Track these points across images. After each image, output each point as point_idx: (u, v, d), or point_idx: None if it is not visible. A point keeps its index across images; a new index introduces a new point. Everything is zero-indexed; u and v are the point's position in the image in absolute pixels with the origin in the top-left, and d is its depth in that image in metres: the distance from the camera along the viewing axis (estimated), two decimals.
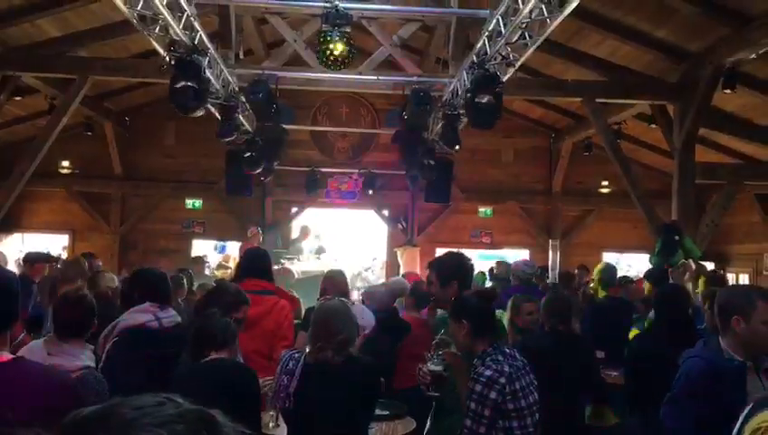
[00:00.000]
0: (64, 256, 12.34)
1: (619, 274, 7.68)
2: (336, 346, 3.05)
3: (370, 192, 12.86)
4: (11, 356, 1.99)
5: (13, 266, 8.42)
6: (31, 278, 7.10)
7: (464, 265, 3.78)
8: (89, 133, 12.52)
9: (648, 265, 8.18)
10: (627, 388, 4.40)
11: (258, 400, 3.19)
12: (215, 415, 0.80)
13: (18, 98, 10.08)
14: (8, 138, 11.94)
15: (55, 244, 12.92)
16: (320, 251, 12.96)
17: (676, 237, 7.77)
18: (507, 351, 3.11)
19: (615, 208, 13.21)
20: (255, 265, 4.62)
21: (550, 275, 11.63)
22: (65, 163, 12.98)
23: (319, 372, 3.04)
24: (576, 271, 10.20)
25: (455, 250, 4.16)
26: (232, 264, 12.22)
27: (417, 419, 3.97)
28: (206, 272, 11.11)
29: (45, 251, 8.48)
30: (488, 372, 2.92)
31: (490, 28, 5.93)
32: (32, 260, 7.54)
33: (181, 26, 5.78)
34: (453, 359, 3.19)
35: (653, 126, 10.23)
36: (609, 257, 12.57)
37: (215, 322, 3.16)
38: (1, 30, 8.45)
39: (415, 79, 7.93)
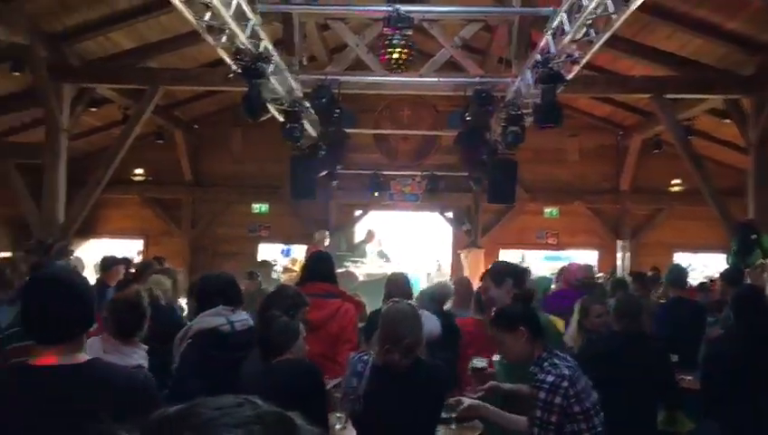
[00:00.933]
0: (138, 260, 12.78)
1: (694, 275, 7.43)
2: (404, 350, 3.06)
3: (433, 194, 12.83)
4: (86, 358, 2.07)
5: (90, 272, 8.79)
6: (106, 282, 7.38)
7: (515, 266, 3.82)
8: (160, 141, 12.95)
9: (725, 266, 7.89)
10: (702, 392, 4.25)
11: (324, 399, 3.22)
12: (293, 418, 0.81)
13: (94, 109, 10.52)
14: (85, 147, 12.44)
15: (130, 249, 13.40)
16: (382, 255, 13.00)
17: (753, 236, 7.47)
18: (559, 354, 3.10)
19: (687, 207, 12.76)
20: (319, 268, 4.65)
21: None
22: (138, 171, 13.46)
23: (387, 374, 3.05)
24: (649, 272, 9.92)
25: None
26: (297, 267, 12.42)
27: None
28: (273, 275, 11.30)
29: (120, 256, 8.81)
30: (550, 378, 2.92)
31: (554, 26, 5.84)
32: (107, 265, 7.85)
33: (246, 35, 5.92)
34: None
35: (726, 121, 9.87)
36: (681, 258, 12.16)
37: (273, 325, 3.20)
38: (77, 44, 8.82)
39: (477, 79, 7.88)
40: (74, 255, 8.66)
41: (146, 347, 3.43)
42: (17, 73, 8.10)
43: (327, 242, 11.84)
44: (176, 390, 3.49)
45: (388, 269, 10.13)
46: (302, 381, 2.91)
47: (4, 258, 6.68)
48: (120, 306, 3.33)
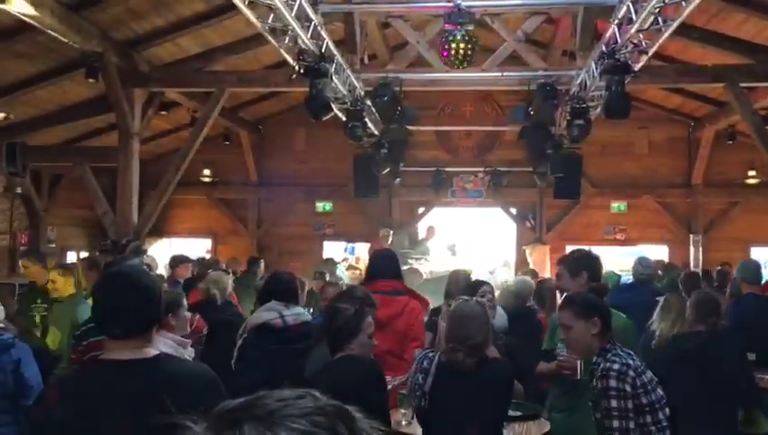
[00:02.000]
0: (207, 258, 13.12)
1: None
2: (468, 349, 3.05)
3: (497, 190, 12.71)
4: (154, 352, 2.13)
5: (163, 270, 9.08)
6: (176, 279, 7.64)
7: (592, 257, 3.75)
8: (226, 142, 13.27)
9: None
10: None
11: (383, 396, 3.21)
12: (352, 411, 0.84)
13: (163, 112, 10.87)
14: (155, 150, 12.83)
15: (199, 248, 13.78)
16: (452, 249, 12.95)
17: None
18: (623, 348, 3.05)
19: (764, 200, 12.26)
20: (386, 265, 4.64)
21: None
22: (206, 172, 13.81)
23: (452, 372, 3.05)
24: (719, 268, 9.56)
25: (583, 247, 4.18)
26: (361, 265, 12.50)
27: None
28: (338, 273, 11.41)
29: (191, 255, 9.11)
30: (616, 366, 2.87)
31: (620, 15, 5.69)
32: (175, 263, 8.14)
33: (309, 35, 5.98)
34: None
35: None
36: (758, 253, 11.68)
37: (334, 319, 3.20)
38: (146, 50, 9.10)
39: (540, 73, 7.76)
40: (147, 254, 8.97)
41: (178, 338, 3.47)
42: (92, 80, 8.40)
43: (390, 239, 11.88)
44: (234, 382, 3.57)
45: (452, 266, 10.09)
46: (359, 377, 2.92)
47: (89, 259, 6.95)
48: None
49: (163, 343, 3.25)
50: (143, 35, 8.81)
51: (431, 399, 3.06)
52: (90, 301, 4.51)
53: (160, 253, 12.59)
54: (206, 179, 13.91)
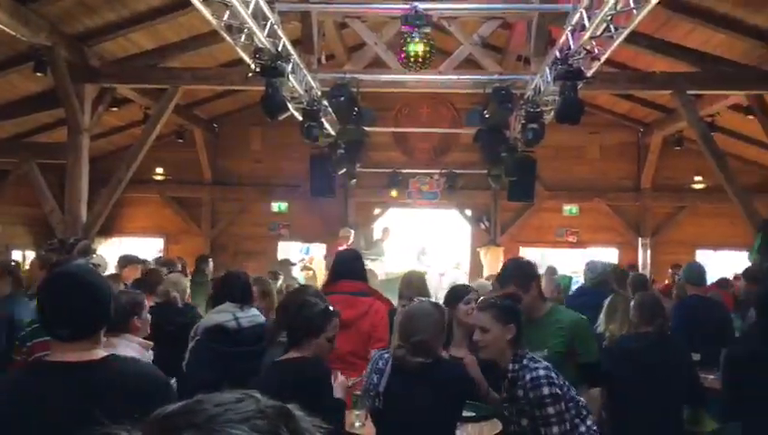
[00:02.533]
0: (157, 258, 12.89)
1: (717, 273, 7.31)
2: (413, 347, 3.04)
3: (452, 192, 12.82)
4: (104, 354, 2.07)
5: (112, 270, 8.87)
6: (124, 281, 7.46)
7: (522, 267, 3.75)
8: (180, 141, 13.06)
9: (748, 264, 7.77)
10: (724, 392, 4.20)
11: (323, 395, 3.16)
12: (292, 410, 0.82)
13: (115, 109, 10.62)
14: (106, 147, 12.56)
15: (150, 248, 13.52)
16: (421, 253, 13.03)
17: None
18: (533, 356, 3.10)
19: (710, 204, 12.64)
20: (351, 266, 4.60)
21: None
22: (159, 170, 13.58)
23: (406, 372, 3.05)
24: (669, 271, 9.83)
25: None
26: (315, 265, 12.46)
27: None
28: (293, 274, 11.34)
29: (139, 256, 8.91)
30: (542, 372, 2.91)
31: (573, 22, 5.80)
32: (124, 263, 7.96)
33: (265, 34, 5.94)
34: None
35: (749, 117, 9.73)
36: (703, 256, 12.04)
37: (306, 310, 3.15)
38: (98, 45, 8.91)
39: (496, 77, 7.86)
40: (96, 253, 8.76)
41: (141, 340, 3.41)
42: (40, 74, 8.19)
43: (352, 240, 11.88)
44: (187, 385, 3.52)
45: (409, 268, 10.12)
46: (309, 378, 2.89)
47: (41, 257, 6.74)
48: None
49: (128, 347, 3.19)
50: (95, 29, 8.61)
51: (385, 399, 3.05)
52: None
53: (111, 252, 12.32)
54: (159, 178, 13.67)
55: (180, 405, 0.81)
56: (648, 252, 13.17)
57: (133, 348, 3.19)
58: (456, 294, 4.15)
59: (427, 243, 13.33)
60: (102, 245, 12.96)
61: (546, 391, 2.86)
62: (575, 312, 3.94)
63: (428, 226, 14.03)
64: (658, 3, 4.89)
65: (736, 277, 7.71)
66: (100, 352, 2.07)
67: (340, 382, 3.15)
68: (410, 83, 8.89)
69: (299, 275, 11.50)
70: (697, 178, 12.87)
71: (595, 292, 6.14)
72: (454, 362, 3.43)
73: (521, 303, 3.39)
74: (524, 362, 2.98)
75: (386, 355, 3.19)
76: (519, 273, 3.71)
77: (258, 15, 5.76)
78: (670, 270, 10.89)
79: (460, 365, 3.37)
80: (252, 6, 5.55)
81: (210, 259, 9.85)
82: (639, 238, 13.30)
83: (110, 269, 8.87)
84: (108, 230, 12.65)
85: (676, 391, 4.22)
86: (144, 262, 8.48)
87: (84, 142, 8.83)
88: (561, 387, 2.92)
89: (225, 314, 3.87)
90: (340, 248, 9.24)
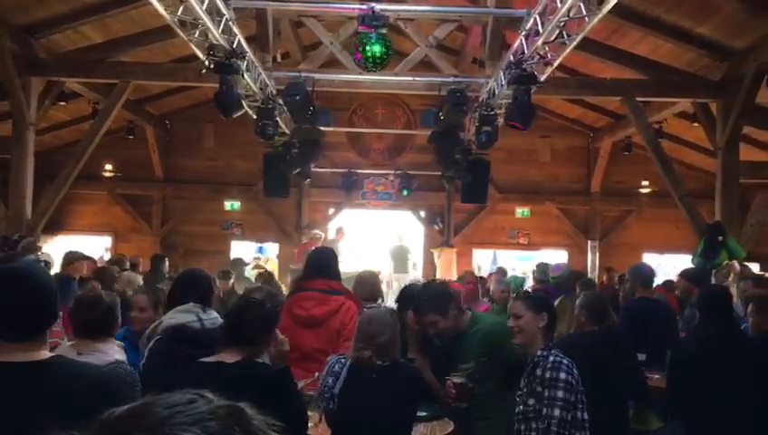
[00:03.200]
0: (107, 257, 12.60)
1: (663, 275, 7.50)
2: (376, 348, 3.09)
3: (406, 193, 12.87)
4: (49, 355, 2.01)
5: (58, 268, 8.64)
6: (71, 277, 7.27)
7: (438, 295, 3.83)
8: (130, 137, 12.77)
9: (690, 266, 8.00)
10: (669, 391, 4.31)
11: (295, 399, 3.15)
12: (244, 408, 0.80)
13: (62, 103, 10.34)
14: (53, 142, 12.23)
15: (98, 245, 13.22)
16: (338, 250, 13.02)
17: (720, 238, 7.60)
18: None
19: (656, 209, 12.99)
20: (324, 264, 4.59)
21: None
22: (108, 166, 13.27)
23: (362, 374, 3.07)
24: (606, 274, 10.09)
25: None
26: (269, 266, 12.36)
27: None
28: (245, 274, 11.23)
29: (86, 253, 8.69)
30: (566, 361, 3.06)
31: (527, 27, 5.88)
32: (70, 259, 7.75)
33: (220, 30, 5.86)
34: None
35: (695, 124, 10.03)
36: (649, 259, 12.35)
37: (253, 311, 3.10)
38: (45, 37, 8.66)
39: (451, 79, 7.90)
40: (42, 250, 8.52)
41: (120, 343, 3.37)
42: None
43: (320, 243, 11.86)
44: (145, 385, 3.45)
45: (360, 268, 10.12)
46: (266, 381, 2.85)
47: None
48: (81, 307, 3.25)
49: (115, 350, 3.13)
50: (42, 21, 8.38)
51: (340, 401, 3.07)
52: None
53: (57, 250, 12.00)
54: (108, 174, 13.36)
55: (129, 408, 0.78)
56: (597, 255, 13.45)
57: (119, 351, 3.15)
58: (407, 298, 4.17)
59: (359, 242, 13.26)
60: (48, 242, 12.62)
61: (563, 375, 3.00)
62: (493, 317, 4.03)
63: (382, 226, 14.04)
64: (609, 11, 5.00)
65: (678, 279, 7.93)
66: (46, 353, 2.01)
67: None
68: (366, 84, 8.88)
69: (251, 274, 11.39)
70: (645, 183, 13.20)
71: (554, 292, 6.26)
72: (408, 364, 3.47)
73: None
74: (553, 351, 3.14)
75: (343, 360, 3.22)
76: (436, 302, 3.75)
77: (213, 11, 5.68)
78: (606, 274, 11.21)
79: (414, 367, 3.41)
80: (206, 2, 5.47)
81: (166, 259, 9.67)
82: (588, 241, 13.58)
83: (57, 267, 8.66)
84: (54, 227, 12.32)
85: (622, 390, 4.31)
86: (90, 259, 8.28)
87: (30, 137, 8.60)
88: (578, 382, 3.04)
89: (189, 315, 3.79)
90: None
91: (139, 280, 5.51)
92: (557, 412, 2.95)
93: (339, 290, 4.46)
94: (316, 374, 3.46)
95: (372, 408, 3.01)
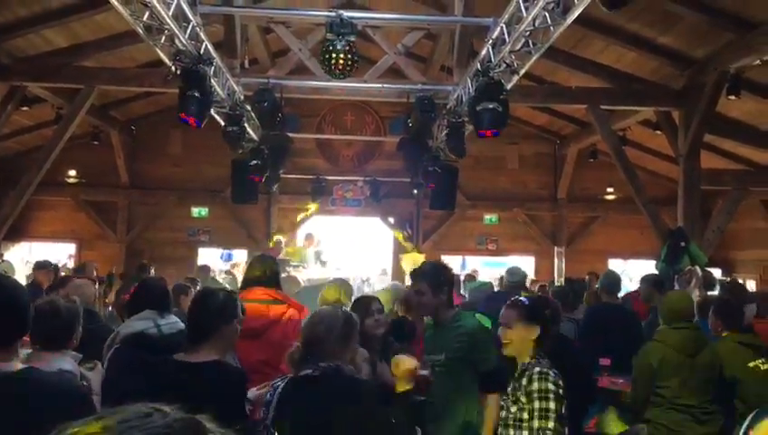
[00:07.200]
0: (70, 264, 12.40)
1: (628, 281, 7.58)
2: (309, 351, 2.91)
3: (376, 200, 12.89)
4: (20, 366, 1.98)
5: (21, 276, 8.47)
6: (40, 285, 7.15)
7: (438, 270, 3.80)
8: (95, 142, 12.59)
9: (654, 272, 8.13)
10: (634, 395, 4.38)
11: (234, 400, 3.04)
12: (201, 421, 0.79)
13: (25, 108, 10.14)
14: (16, 147, 12.01)
15: (62, 252, 12.98)
16: (317, 256, 12.93)
17: (682, 244, 7.73)
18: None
19: (621, 215, 13.19)
20: (262, 272, 4.41)
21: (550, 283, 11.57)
22: (72, 172, 13.06)
23: (302, 381, 2.82)
24: (586, 277, 10.16)
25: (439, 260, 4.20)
26: (236, 271, 12.24)
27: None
28: (216, 280, 11.12)
29: (52, 260, 8.54)
30: (552, 372, 3.02)
31: (494, 36, 5.95)
32: (42, 265, 7.63)
33: (187, 36, 5.81)
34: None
35: (658, 132, 10.22)
36: (615, 264, 12.54)
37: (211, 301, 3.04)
38: (8, 41, 8.51)
39: (419, 87, 7.95)
40: (4, 258, 8.35)
41: (76, 354, 3.31)
42: None
43: (283, 248, 11.80)
44: (107, 395, 3.39)
45: (330, 275, 10.10)
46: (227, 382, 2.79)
47: None
48: (39, 317, 3.18)
49: (64, 360, 3.06)
50: (5, 25, 8.23)
51: (279, 409, 2.77)
52: None
53: (19, 257, 11.77)
54: (72, 180, 13.15)
55: (83, 422, 0.76)
56: (563, 260, 13.61)
57: (68, 362, 3.08)
58: (362, 307, 4.01)
59: (325, 248, 13.17)
60: (10, 249, 12.38)
61: (552, 386, 2.96)
62: (479, 320, 4.01)
63: (352, 233, 14.03)
64: (574, 20, 5.08)
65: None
66: (17, 364, 1.98)
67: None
68: (334, 90, 8.90)
69: (221, 280, 11.29)
70: (609, 190, 13.42)
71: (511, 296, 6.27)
72: (351, 370, 3.29)
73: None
74: (542, 362, 3.08)
75: (276, 384, 2.90)
76: (433, 274, 3.74)
77: (179, 17, 5.64)
78: (587, 277, 11.29)
79: (354, 374, 3.27)
80: (173, 7, 5.42)
81: (152, 267, 9.51)
82: (555, 247, 13.73)
83: (19, 274, 8.50)
84: (16, 234, 12.09)
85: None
86: (55, 267, 8.15)
87: None
88: (563, 397, 2.99)
89: (145, 322, 3.75)
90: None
91: (91, 288, 5.40)
92: (551, 424, 2.93)
93: (279, 299, 4.29)
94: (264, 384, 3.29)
95: (312, 416, 2.71)
